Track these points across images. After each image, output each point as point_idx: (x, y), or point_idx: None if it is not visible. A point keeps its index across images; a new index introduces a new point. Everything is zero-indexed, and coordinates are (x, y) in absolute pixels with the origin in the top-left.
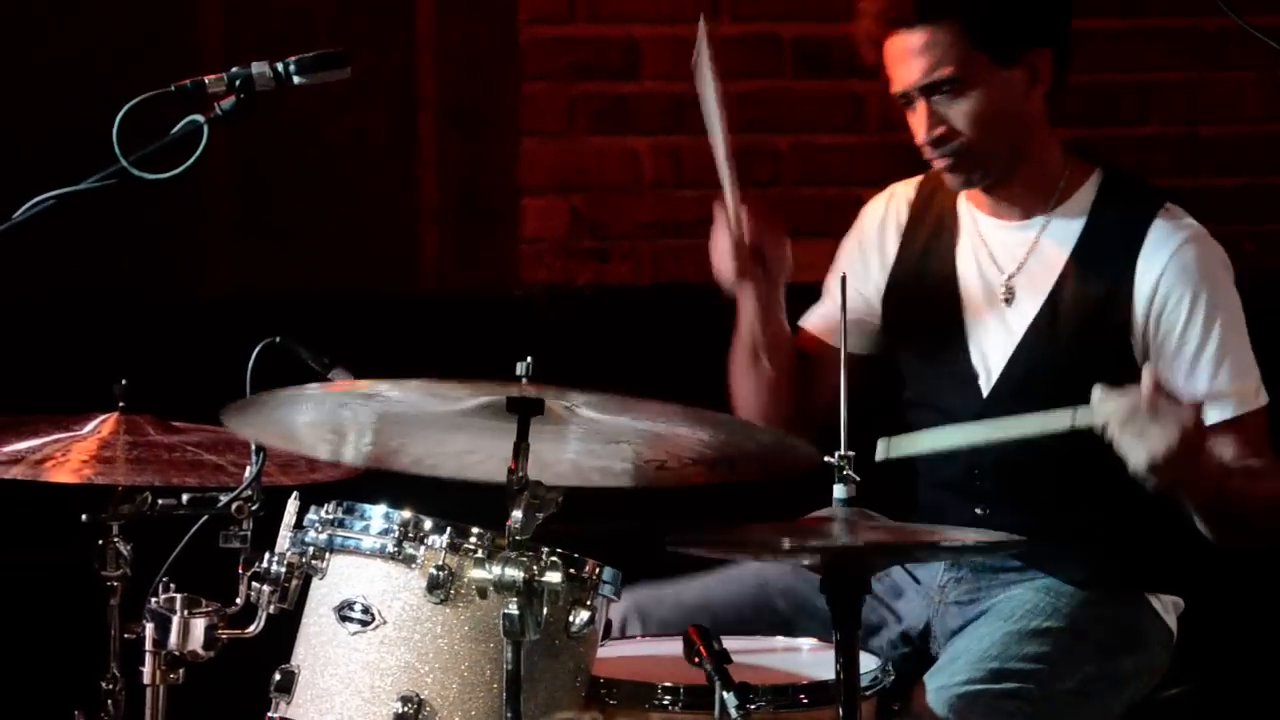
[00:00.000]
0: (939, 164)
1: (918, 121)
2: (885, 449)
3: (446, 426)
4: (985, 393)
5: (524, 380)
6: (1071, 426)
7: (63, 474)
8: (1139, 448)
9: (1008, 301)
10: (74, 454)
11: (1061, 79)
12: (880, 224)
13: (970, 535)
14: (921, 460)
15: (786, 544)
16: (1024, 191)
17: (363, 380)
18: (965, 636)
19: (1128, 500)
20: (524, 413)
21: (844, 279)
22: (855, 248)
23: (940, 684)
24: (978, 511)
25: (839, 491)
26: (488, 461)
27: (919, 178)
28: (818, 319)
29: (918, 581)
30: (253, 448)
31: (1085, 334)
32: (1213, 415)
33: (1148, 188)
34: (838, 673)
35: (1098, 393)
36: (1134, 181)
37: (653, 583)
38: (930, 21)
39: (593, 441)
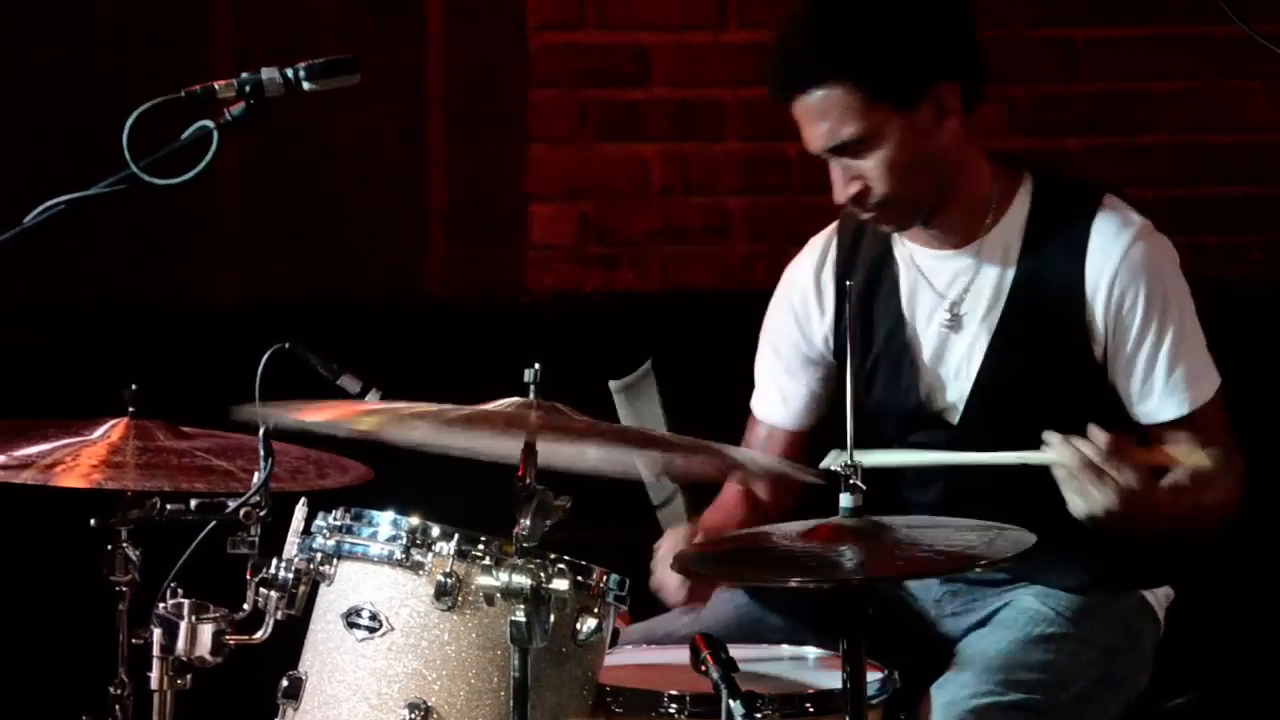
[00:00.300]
0: (865, 218)
1: (834, 182)
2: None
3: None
4: (955, 420)
5: (531, 388)
6: (1022, 464)
7: (72, 479)
8: (1081, 503)
9: (953, 329)
10: (83, 459)
11: (973, 95)
12: (814, 279)
13: (975, 537)
14: (902, 484)
15: (793, 582)
16: (957, 217)
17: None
18: (971, 646)
19: None
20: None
21: (848, 286)
22: (789, 313)
23: (948, 697)
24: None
25: (845, 500)
26: (497, 444)
27: (829, 228)
28: (776, 407)
29: (907, 588)
30: (261, 453)
31: (1045, 346)
32: (1168, 412)
33: (1082, 184)
34: (844, 681)
35: (1049, 438)
36: (1066, 181)
37: (640, 623)
38: (823, 84)
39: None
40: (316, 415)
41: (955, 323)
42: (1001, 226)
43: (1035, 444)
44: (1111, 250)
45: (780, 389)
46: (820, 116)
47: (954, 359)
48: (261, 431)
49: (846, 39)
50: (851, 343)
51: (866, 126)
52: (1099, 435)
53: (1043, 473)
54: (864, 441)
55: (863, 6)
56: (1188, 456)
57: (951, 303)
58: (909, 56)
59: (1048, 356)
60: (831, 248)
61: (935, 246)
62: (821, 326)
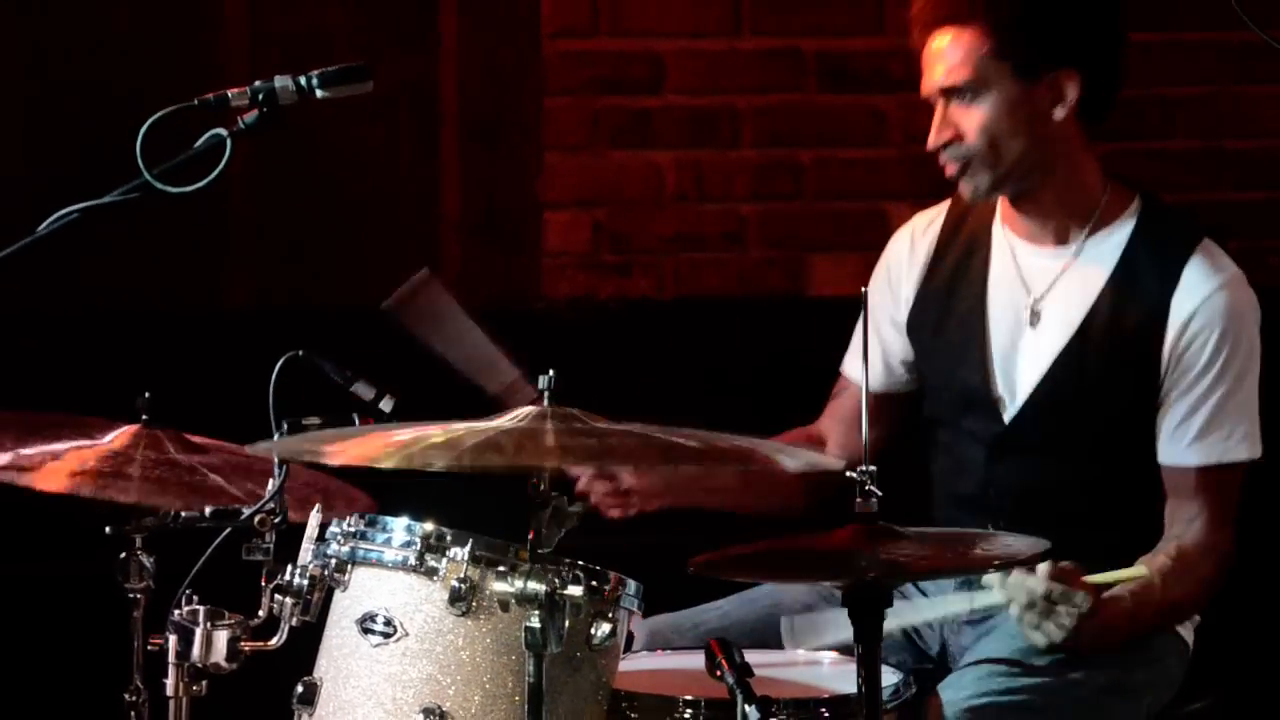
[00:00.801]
0: (948, 170)
1: (933, 126)
2: (789, 630)
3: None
4: (1008, 419)
5: (546, 396)
6: (970, 609)
7: (76, 487)
8: (1038, 636)
9: (1033, 324)
10: (91, 467)
11: (1097, 104)
12: (909, 251)
13: (996, 546)
14: (939, 473)
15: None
16: (1057, 214)
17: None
18: (976, 650)
19: (1146, 522)
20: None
21: (865, 293)
22: (884, 281)
23: (951, 697)
24: (991, 528)
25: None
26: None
27: (944, 203)
28: (856, 366)
29: (923, 595)
30: (275, 461)
31: (1113, 365)
32: (1191, 458)
33: (1187, 221)
34: (860, 686)
35: (989, 581)
36: (1173, 212)
37: (667, 613)
38: (958, 24)
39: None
40: (336, 459)
41: (1035, 318)
42: (1101, 238)
43: (1078, 457)
44: (1199, 290)
45: (859, 342)
46: (945, 55)
47: (1024, 354)
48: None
49: None
50: (921, 321)
51: (982, 77)
52: (1041, 568)
53: (1081, 477)
54: (917, 415)
55: None
56: (1125, 576)
57: (1035, 298)
58: (1047, 28)
59: (1114, 377)
60: (938, 220)
61: (1033, 241)
62: (907, 289)
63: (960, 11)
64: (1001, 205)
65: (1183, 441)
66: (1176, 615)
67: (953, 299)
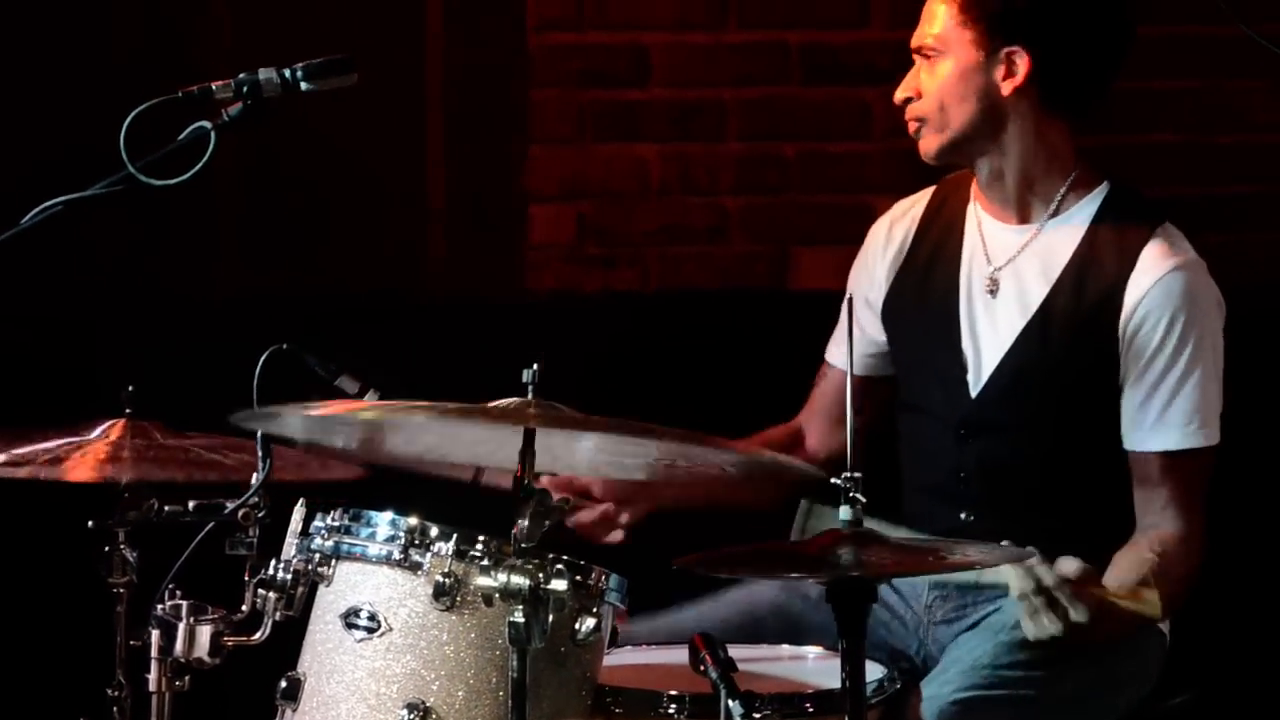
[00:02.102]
0: (910, 128)
1: (903, 81)
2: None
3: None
4: (974, 393)
5: (530, 388)
6: (975, 583)
7: (71, 473)
8: (1031, 627)
9: (991, 294)
10: (81, 455)
11: (1054, 86)
12: (886, 236)
13: (974, 550)
14: (909, 464)
15: (794, 575)
16: (1019, 192)
17: (388, 404)
18: (958, 647)
19: (1114, 507)
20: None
21: (849, 300)
22: (862, 265)
23: (933, 692)
24: (963, 516)
25: (845, 513)
26: (499, 451)
27: (928, 190)
28: (838, 352)
29: (898, 595)
30: (259, 453)
31: (1075, 344)
32: (1152, 444)
33: (1151, 204)
34: (843, 681)
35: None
36: (1138, 198)
37: (645, 615)
38: None
39: (606, 439)
40: (317, 412)
41: (994, 286)
42: (1065, 218)
43: (1045, 439)
44: (1154, 271)
45: (843, 332)
46: (929, 15)
47: (988, 332)
48: (260, 433)
49: None
50: (896, 305)
51: (946, 40)
52: (1067, 565)
53: (1052, 465)
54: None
55: None
56: (1140, 604)
57: (995, 268)
58: (1005, 4)
59: (1076, 355)
60: (919, 206)
61: (998, 217)
62: (881, 274)
63: None
64: (974, 185)
65: (1143, 427)
66: (1164, 613)
67: (928, 280)
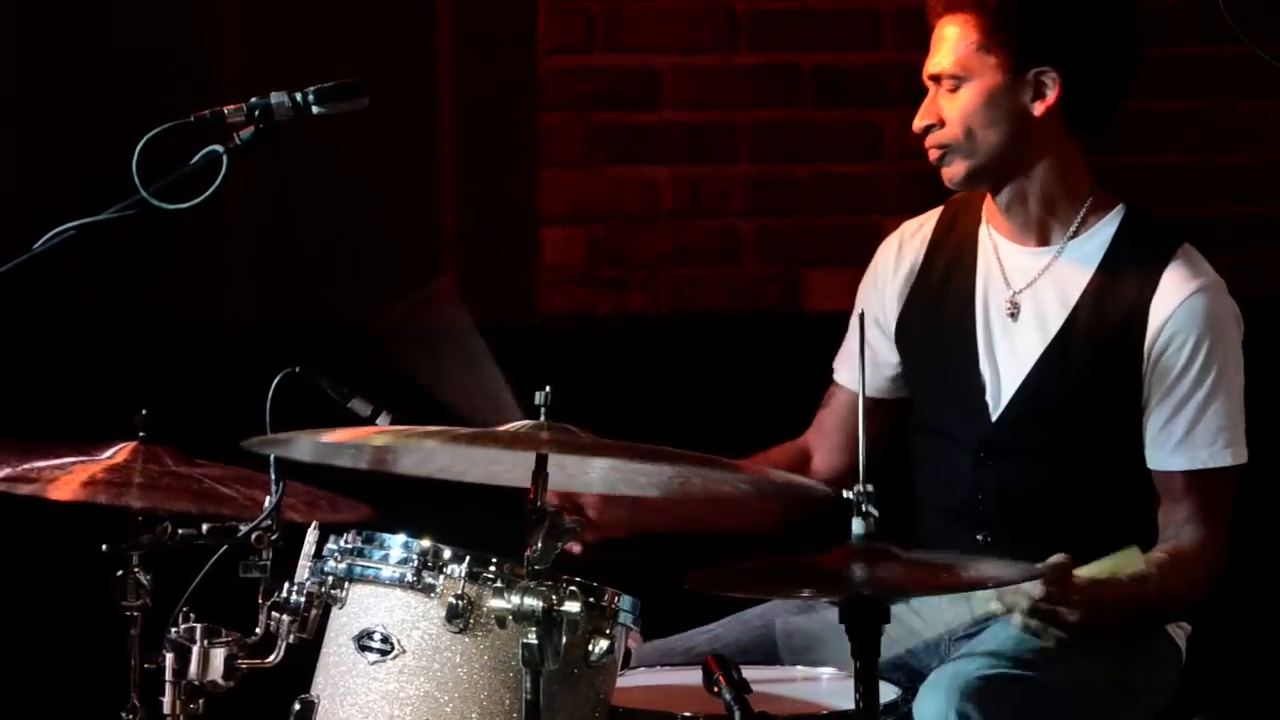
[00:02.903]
0: (931, 155)
1: (921, 109)
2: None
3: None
4: (994, 418)
5: (542, 411)
6: (971, 619)
7: (75, 494)
8: (1034, 638)
9: (1013, 317)
10: (90, 476)
11: (1081, 108)
12: (896, 257)
13: (989, 568)
14: (926, 485)
15: (807, 593)
16: (1039, 214)
17: (400, 429)
18: (978, 640)
19: (1133, 530)
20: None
21: (862, 316)
22: (871, 285)
23: (958, 669)
24: (979, 538)
25: (857, 527)
26: (514, 471)
27: (936, 210)
28: (847, 372)
29: (918, 615)
30: (273, 476)
31: (1096, 367)
32: (1178, 463)
33: (1169, 226)
34: (857, 702)
35: (989, 592)
36: (1156, 220)
37: (659, 639)
38: (955, 12)
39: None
40: (331, 437)
41: (1014, 309)
42: (1083, 240)
43: (1065, 461)
44: (1177, 293)
45: (850, 351)
46: (942, 42)
47: (1008, 355)
48: (273, 456)
49: None
50: (909, 327)
51: (968, 66)
52: (1033, 588)
53: (1068, 487)
54: (908, 421)
55: None
56: (1124, 567)
57: (1015, 291)
58: (1034, 25)
59: (1097, 378)
60: (928, 226)
61: (1016, 240)
62: (892, 296)
63: (956, 2)
64: (987, 207)
65: (1167, 446)
66: (1170, 607)
67: (942, 302)
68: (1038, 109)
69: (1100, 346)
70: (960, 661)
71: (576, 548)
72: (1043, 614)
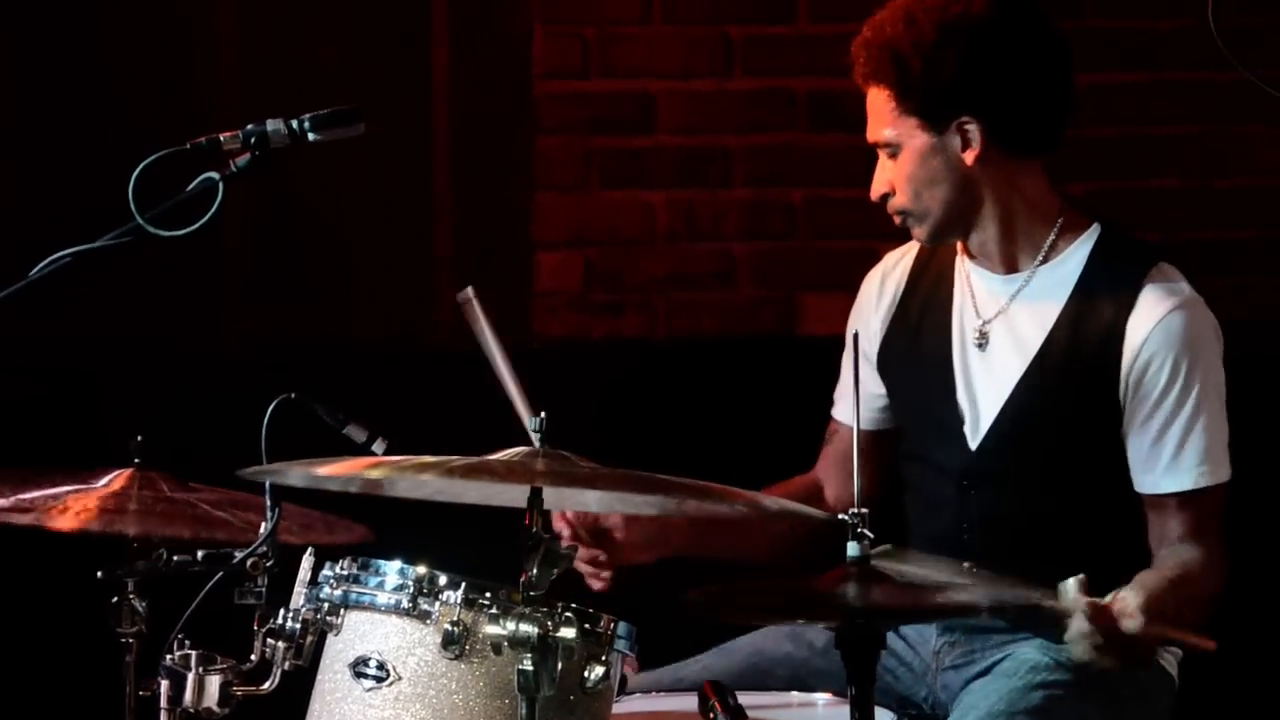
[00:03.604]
0: (895, 221)
1: (874, 177)
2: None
3: None
4: (973, 445)
5: (538, 436)
6: (1039, 602)
7: (71, 522)
8: (1080, 656)
9: (980, 347)
10: (85, 505)
11: (1012, 139)
12: (878, 289)
13: (981, 592)
14: (913, 514)
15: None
16: (1003, 245)
17: (394, 460)
18: (971, 694)
19: (1118, 554)
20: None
21: (855, 335)
22: (857, 317)
23: None
24: (966, 565)
25: (852, 549)
26: (511, 492)
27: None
28: (844, 407)
29: (905, 642)
30: (267, 503)
31: (1074, 391)
32: (1167, 486)
33: (1144, 245)
34: None
35: (1071, 589)
36: (1130, 239)
37: (649, 670)
38: (873, 83)
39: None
40: (325, 470)
41: (983, 339)
42: (1055, 265)
43: (1048, 487)
44: (1154, 313)
45: (847, 387)
46: (872, 111)
47: (985, 383)
48: (268, 483)
49: (896, 50)
50: (890, 357)
51: (896, 134)
52: (1130, 617)
53: (1054, 516)
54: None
55: (919, 26)
56: (1198, 641)
57: (984, 321)
58: (938, 82)
59: (1075, 402)
60: (908, 256)
61: (985, 268)
62: (875, 326)
63: (869, 72)
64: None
65: (1156, 469)
66: (1186, 631)
67: (921, 332)
68: (969, 157)
69: (1078, 369)
70: (954, 716)
71: (598, 584)
72: (1095, 646)
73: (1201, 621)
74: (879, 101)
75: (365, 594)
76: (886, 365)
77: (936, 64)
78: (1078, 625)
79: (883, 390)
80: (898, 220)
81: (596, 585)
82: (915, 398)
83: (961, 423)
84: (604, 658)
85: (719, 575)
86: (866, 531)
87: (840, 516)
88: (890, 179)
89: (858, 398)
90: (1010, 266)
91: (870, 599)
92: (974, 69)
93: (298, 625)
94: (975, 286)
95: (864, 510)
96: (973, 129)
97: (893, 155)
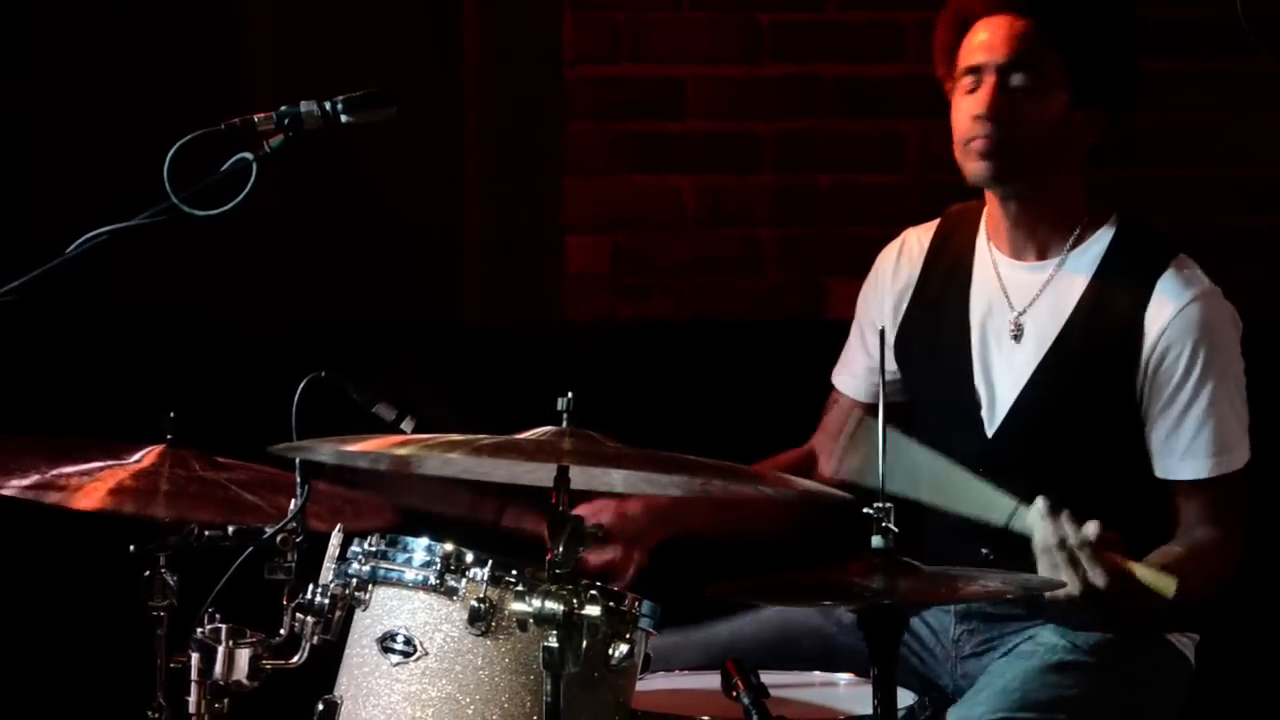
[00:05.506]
0: (975, 145)
1: (979, 96)
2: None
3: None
4: (990, 433)
5: (564, 417)
6: (1006, 524)
7: (101, 502)
8: (1046, 571)
9: (1016, 339)
10: (116, 484)
11: (1104, 146)
12: (895, 267)
13: (1001, 580)
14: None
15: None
16: (1045, 231)
17: (423, 438)
18: (988, 674)
19: (1134, 540)
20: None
21: (882, 332)
22: (871, 292)
23: (964, 714)
24: (983, 551)
25: (876, 542)
26: (539, 470)
27: (934, 221)
28: (846, 378)
29: (929, 628)
30: (298, 479)
31: (1091, 379)
32: (1185, 472)
33: (1161, 238)
34: (875, 707)
35: (1039, 504)
36: (1149, 231)
37: (678, 628)
38: (1039, 27)
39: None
40: (354, 447)
41: (1019, 331)
42: (1078, 253)
43: (1063, 474)
44: (1172, 304)
45: (850, 358)
46: (1018, 39)
47: (1004, 369)
48: (298, 460)
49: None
50: (907, 339)
51: (1045, 81)
52: (1089, 528)
53: (1071, 503)
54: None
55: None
56: (1155, 581)
57: (1018, 312)
58: (1107, 69)
59: (1092, 390)
60: (925, 236)
61: (1016, 255)
62: (891, 306)
63: (1043, 22)
64: (986, 221)
65: (1174, 456)
66: (1182, 609)
67: (938, 317)
68: (1081, 140)
69: (1095, 358)
70: (966, 705)
71: (622, 582)
72: (1066, 559)
73: (1195, 592)
74: (1038, 42)
75: (393, 570)
76: (903, 348)
77: (1116, 56)
78: (1042, 534)
79: (892, 368)
80: (979, 145)
81: (617, 586)
82: (932, 384)
83: (978, 409)
84: (628, 635)
85: (737, 556)
86: (891, 526)
87: (864, 510)
88: (1010, 111)
89: (883, 382)
90: (1041, 254)
91: (895, 588)
92: (1131, 67)
93: (326, 600)
94: (1005, 275)
95: (888, 505)
96: (1099, 123)
97: (1024, 88)
